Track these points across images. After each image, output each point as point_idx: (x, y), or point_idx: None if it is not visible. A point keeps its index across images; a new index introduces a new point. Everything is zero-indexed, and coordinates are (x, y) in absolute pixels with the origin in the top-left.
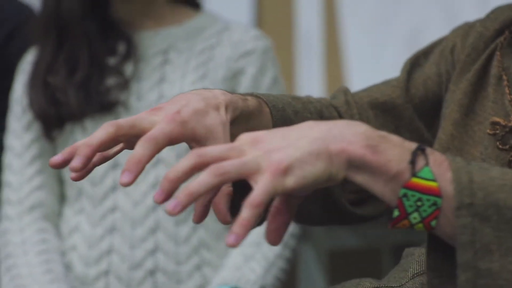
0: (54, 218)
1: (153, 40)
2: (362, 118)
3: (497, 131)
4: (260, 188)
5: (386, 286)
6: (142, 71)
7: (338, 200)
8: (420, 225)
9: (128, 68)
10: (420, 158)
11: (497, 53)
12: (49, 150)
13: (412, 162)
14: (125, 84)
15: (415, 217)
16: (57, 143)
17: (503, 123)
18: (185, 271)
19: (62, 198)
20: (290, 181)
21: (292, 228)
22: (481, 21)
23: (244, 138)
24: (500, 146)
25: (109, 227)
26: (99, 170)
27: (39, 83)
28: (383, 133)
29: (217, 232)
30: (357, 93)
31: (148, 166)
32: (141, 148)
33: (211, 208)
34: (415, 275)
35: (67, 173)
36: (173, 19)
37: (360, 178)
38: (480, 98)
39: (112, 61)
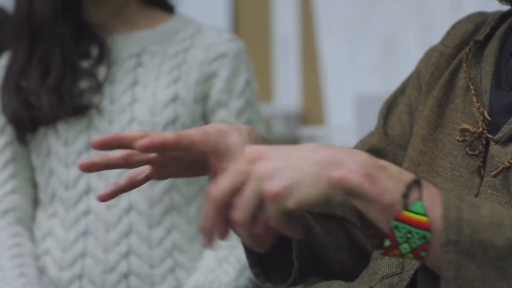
0: (28, 222)
1: (126, 43)
2: None
3: (466, 138)
4: (269, 214)
5: None
6: (115, 74)
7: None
8: (410, 255)
9: (101, 71)
10: (414, 191)
11: (463, 64)
12: (22, 154)
13: (405, 196)
14: (98, 87)
15: (405, 247)
16: (30, 147)
17: (472, 130)
18: (158, 274)
19: (35, 202)
20: (291, 203)
21: None
22: (441, 41)
23: (248, 153)
24: (470, 152)
25: (83, 230)
26: (72, 173)
27: (12, 87)
28: (383, 162)
29: (190, 235)
30: None
31: (121, 169)
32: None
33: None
34: (384, 277)
35: (41, 177)
36: (146, 23)
37: (357, 204)
38: (448, 111)
39: (85, 64)
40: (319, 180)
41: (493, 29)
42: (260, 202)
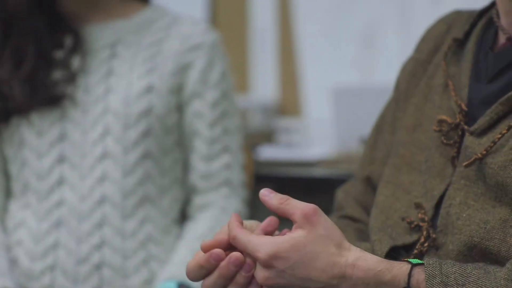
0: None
1: (100, 34)
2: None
3: (443, 128)
4: None
5: None
6: (89, 64)
7: None
8: None
9: (75, 62)
10: None
11: (442, 63)
12: None
13: None
14: (72, 78)
15: None
16: (3, 137)
17: (450, 121)
18: (131, 266)
19: (7, 193)
20: None
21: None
22: (416, 48)
23: (266, 254)
24: (445, 141)
25: (55, 221)
26: (45, 164)
27: None
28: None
29: (164, 226)
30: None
31: (94, 160)
32: None
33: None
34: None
35: (13, 168)
36: (121, 13)
37: None
38: (426, 111)
39: (59, 54)
40: None
41: (472, 26)
42: None
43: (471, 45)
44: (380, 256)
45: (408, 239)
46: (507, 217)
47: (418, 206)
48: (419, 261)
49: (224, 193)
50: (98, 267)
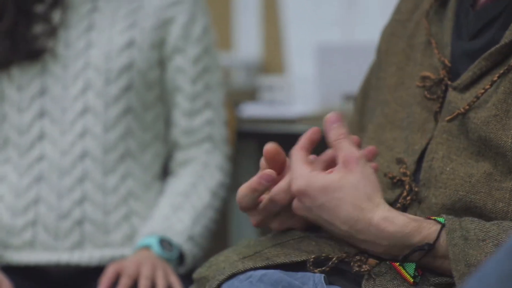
0: None
1: None
2: None
3: (426, 83)
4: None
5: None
6: (70, 18)
7: None
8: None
9: (56, 16)
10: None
11: (424, 21)
12: None
13: (404, 259)
14: (52, 32)
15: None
16: None
17: (433, 77)
18: (113, 221)
19: None
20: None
21: (223, 177)
22: (395, 10)
23: (297, 188)
24: (428, 96)
25: (36, 176)
26: (25, 118)
27: None
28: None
29: (145, 182)
30: None
31: (75, 115)
32: None
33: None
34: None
35: None
36: None
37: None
38: (408, 70)
39: (39, 8)
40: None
41: None
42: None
43: (452, 3)
44: None
45: (391, 194)
46: (491, 170)
47: (399, 161)
48: (443, 220)
49: (206, 148)
50: (80, 222)
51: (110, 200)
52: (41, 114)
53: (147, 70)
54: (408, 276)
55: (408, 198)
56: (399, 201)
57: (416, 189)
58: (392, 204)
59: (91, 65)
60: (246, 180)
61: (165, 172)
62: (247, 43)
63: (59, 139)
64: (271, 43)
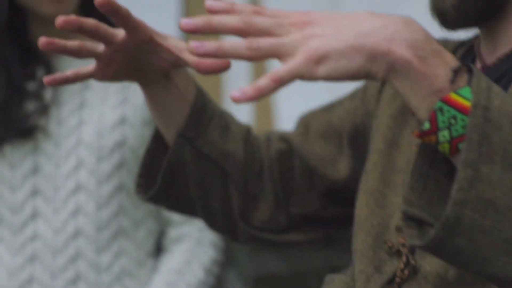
0: None
1: (72, 64)
2: None
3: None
4: (287, 67)
5: None
6: (61, 96)
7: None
8: (446, 145)
9: (48, 93)
10: (463, 77)
11: None
12: None
13: (452, 81)
14: (44, 110)
15: (444, 135)
16: None
17: None
18: None
19: None
20: (321, 71)
21: (216, 254)
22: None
23: (298, 16)
24: None
25: (30, 256)
26: (18, 197)
27: None
28: (438, 47)
29: (139, 259)
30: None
31: (68, 193)
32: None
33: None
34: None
35: None
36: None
37: (399, 84)
38: (404, 132)
39: (31, 85)
40: (361, 52)
41: (453, 53)
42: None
43: None
44: None
45: (390, 266)
46: None
47: (398, 229)
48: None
49: (199, 225)
50: None
51: (103, 278)
52: (34, 192)
53: (140, 146)
54: (469, 103)
55: (405, 271)
56: (397, 274)
57: (412, 262)
58: (391, 277)
59: (83, 142)
60: (239, 256)
61: (158, 249)
62: (238, 114)
63: (52, 218)
64: (262, 113)
